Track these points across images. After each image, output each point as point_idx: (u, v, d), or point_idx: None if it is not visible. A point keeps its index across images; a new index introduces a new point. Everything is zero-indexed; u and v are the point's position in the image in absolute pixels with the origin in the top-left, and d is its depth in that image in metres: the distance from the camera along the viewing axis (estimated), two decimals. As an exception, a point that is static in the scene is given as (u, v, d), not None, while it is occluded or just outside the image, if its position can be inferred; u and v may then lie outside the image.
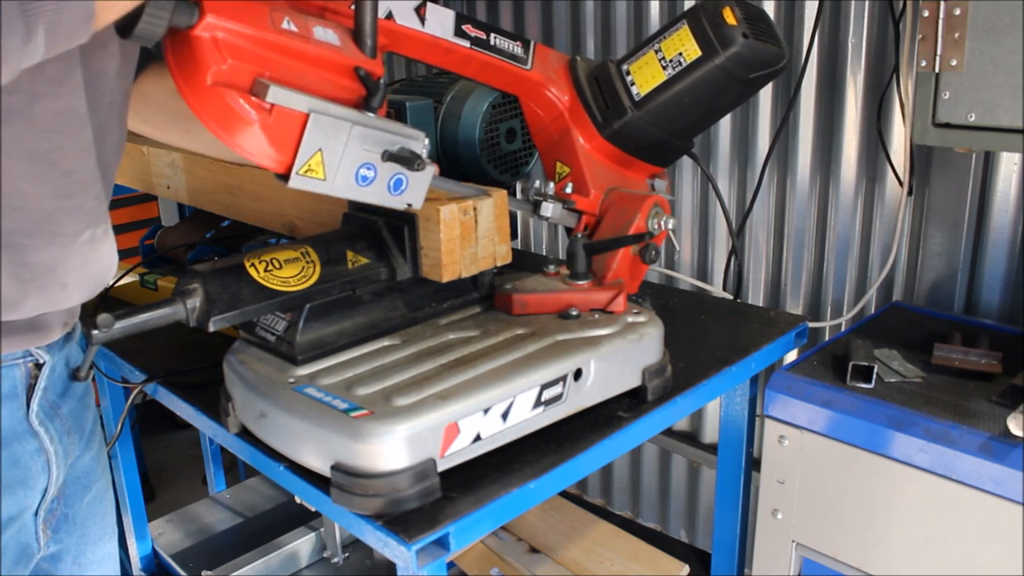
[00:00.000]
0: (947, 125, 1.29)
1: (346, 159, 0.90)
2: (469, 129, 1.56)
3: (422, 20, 1.09)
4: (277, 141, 0.85)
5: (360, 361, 1.02)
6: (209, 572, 1.72)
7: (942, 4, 1.24)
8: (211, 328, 0.96)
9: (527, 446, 1.01)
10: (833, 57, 1.83)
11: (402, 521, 0.88)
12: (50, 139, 0.81)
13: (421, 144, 0.95)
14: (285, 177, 0.87)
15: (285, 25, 0.86)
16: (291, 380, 0.98)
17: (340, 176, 0.90)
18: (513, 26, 2.51)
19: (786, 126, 1.91)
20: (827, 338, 1.89)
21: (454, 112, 1.57)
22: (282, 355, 1.03)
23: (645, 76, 1.23)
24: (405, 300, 1.12)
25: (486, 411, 0.94)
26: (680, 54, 1.20)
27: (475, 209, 1.06)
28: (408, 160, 0.92)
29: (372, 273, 1.08)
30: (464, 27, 1.13)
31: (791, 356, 1.70)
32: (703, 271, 2.21)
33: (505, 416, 0.96)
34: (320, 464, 0.92)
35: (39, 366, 0.94)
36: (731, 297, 1.59)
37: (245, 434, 1.06)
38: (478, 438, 0.94)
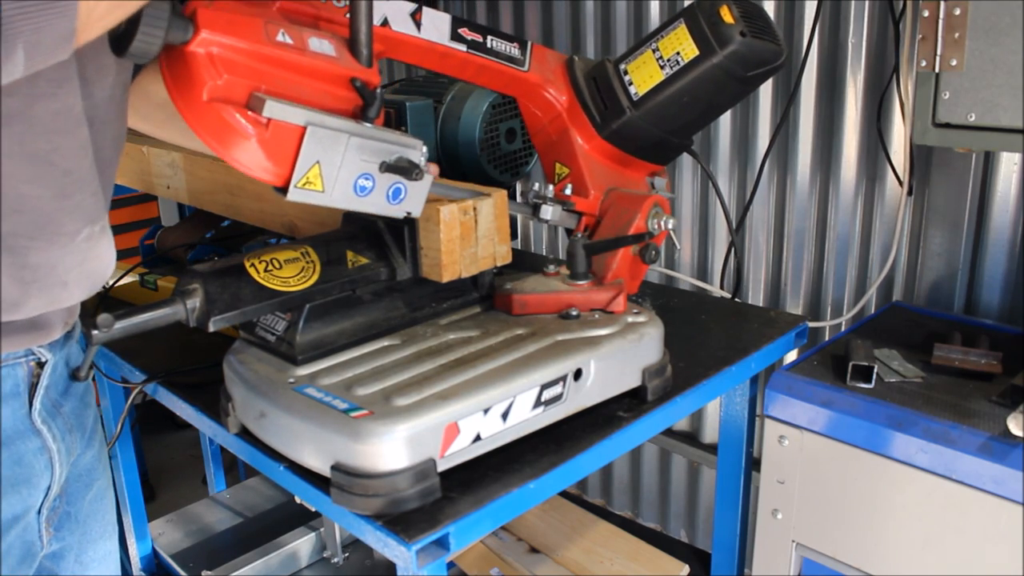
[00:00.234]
0: (947, 125, 1.29)
1: (344, 170, 0.90)
2: (469, 129, 1.56)
3: (418, 25, 1.09)
4: (275, 155, 0.85)
5: (360, 361, 1.02)
6: (209, 572, 1.72)
7: (942, 4, 1.24)
8: (211, 328, 0.96)
9: (527, 446, 1.01)
10: (833, 57, 1.83)
11: (402, 521, 0.88)
12: (49, 139, 0.81)
13: (419, 153, 0.95)
14: (284, 190, 0.87)
15: (280, 37, 0.86)
16: (291, 380, 0.98)
17: (338, 187, 0.90)
18: (513, 26, 2.51)
19: (786, 124, 1.92)
20: (827, 338, 1.89)
21: (454, 112, 1.57)
22: (282, 355, 1.03)
23: (643, 76, 1.23)
24: (405, 300, 1.12)
25: (486, 411, 0.94)
26: (678, 53, 1.20)
27: (475, 209, 1.06)
28: (406, 170, 0.92)
29: (372, 273, 1.08)
30: (460, 31, 1.13)
31: (791, 356, 1.70)
32: (703, 271, 2.21)
33: (505, 416, 0.96)
34: (320, 464, 0.92)
35: (41, 365, 0.94)
36: (730, 296, 1.59)
37: (245, 434, 1.06)
38: (478, 438, 0.94)
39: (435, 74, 1.68)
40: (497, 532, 1.73)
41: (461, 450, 0.93)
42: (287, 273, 1.02)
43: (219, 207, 1.47)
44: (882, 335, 1.49)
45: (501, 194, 1.10)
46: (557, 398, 1.01)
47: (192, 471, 3.35)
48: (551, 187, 1.26)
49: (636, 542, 1.69)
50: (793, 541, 1.38)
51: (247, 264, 1.00)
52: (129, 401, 1.52)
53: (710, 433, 2.30)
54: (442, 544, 0.89)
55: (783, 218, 2.01)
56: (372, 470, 0.88)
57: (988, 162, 1.64)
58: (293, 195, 0.87)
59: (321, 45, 0.89)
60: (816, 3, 1.73)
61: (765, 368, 1.34)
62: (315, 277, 1.03)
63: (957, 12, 1.23)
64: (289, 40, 0.86)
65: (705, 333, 1.40)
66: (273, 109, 0.83)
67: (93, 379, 1.12)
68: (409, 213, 0.98)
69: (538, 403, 0.99)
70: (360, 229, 1.11)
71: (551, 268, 1.21)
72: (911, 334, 1.50)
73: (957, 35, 1.24)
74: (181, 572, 1.78)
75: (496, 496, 0.93)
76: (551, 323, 1.10)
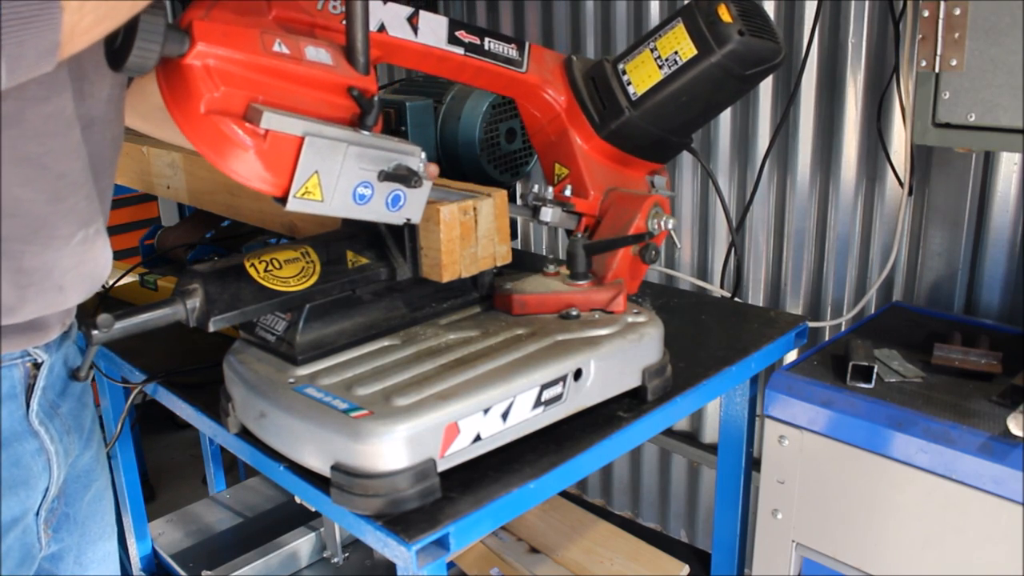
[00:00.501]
0: (947, 125, 1.29)
1: (343, 179, 0.90)
2: (469, 129, 1.56)
3: (415, 30, 1.09)
4: (273, 165, 0.85)
5: (360, 361, 1.02)
6: (209, 572, 1.72)
7: (942, 4, 1.24)
8: (211, 328, 0.96)
9: (527, 446, 1.01)
10: (833, 57, 1.83)
11: (402, 521, 0.88)
12: (41, 143, 0.81)
13: (418, 159, 0.95)
14: (283, 200, 0.87)
15: (276, 48, 0.86)
16: (291, 380, 0.98)
17: (337, 196, 0.90)
18: (513, 26, 2.51)
19: (786, 124, 1.92)
20: (827, 338, 1.89)
21: (454, 112, 1.57)
22: (282, 355, 1.03)
23: (641, 75, 1.23)
24: (405, 300, 1.12)
25: (486, 411, 0.94)
26: (676, 52, 1.20)
27: (475, 209, 1.06)
28: (405, 178, 0.92)
29: (372, 273, 1.08)
30: (457, 33, 1.13)
31: (791, 356, 1.70)
32: (703, 270, 2.21)
33: (505, 416, 0.96)
34: (320, 464, 0.92)
35: (37, 366, 0.93)
36: (730, 295, 1.59)
37: (245, 434, 1.06)
38: (478, 438, 0.94)
39: (435, 74, 1.68)
40: (497, 532, 1.73)
41: (461, 450, 0.93)
42: (287, 273, 1.02)
43: (219, 207, 1.47)
44: (882, 335, 1.49)
45: (501, 194, 1.10)
46: (557, 398, 1.01)
47: (192, 471, 3.35)
48: (550, 189, 1.25)
49: (636, 542, 1.69)
50: (793, 541, 1.38)
51: (247, 264, 1.00)
52: (129, 401, 1.52)
53: (710, 433, 2.30)
54: (442, 544, 0.89)
55: (783, 218, 2.01)
56: (372, 470, 0.88)
57: (988, 162, 1.64)
58: (292, 205, 0.87)
59: (318, 54, 0.89)
60: (816, 3, 1.73)
61: (765, 368, 1.34)
62: (315, 277, 1.03)
63: (957, 12, 1.23)
64: (285, 50, 0.86)
65: (705, 333, 1.40)
66: (271, 120, 0.83)
67: (93, 379, 1.12)
68: (409, 219, 0.99)
69: (538, 403, 0.99)
70: (360, 229, 1.11)
71: (551, 268, 1.21)
72: (911, 334, 1.50)
73: (957, 35, 1.24)
74: (181, 572, 1.78)
75: (496, 496, 0.93)
76: (551, 323, 1.10)
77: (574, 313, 1.12)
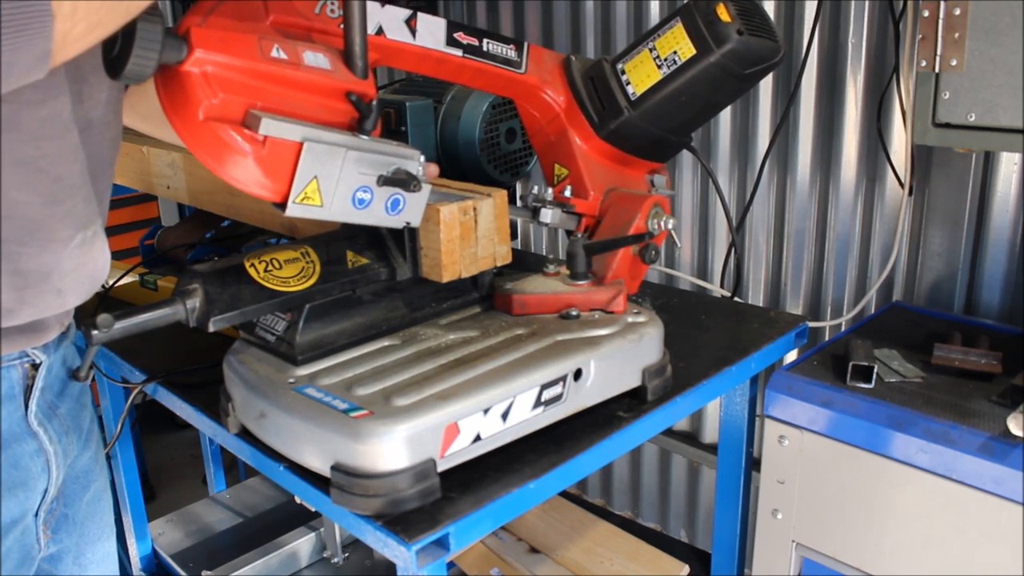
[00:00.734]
0: (947, 125, 1.29)
1: (342, 184, 0.90)
2: (469, 129, 1.56)
3: (413, 32, 1.08)
4: (272, 171, 0.85)
5: (360, 361, 1.02)
6: (209, 572, 1.72)
7: (942, 4, 1.24)
8: (211, 328, 0.96)
9: (527, 446, 1.01)
10: (833, 57, 1.83)
11: (402, 521, 0.88)
12: (37, 146, 0.80)
13: (416, 163, 0.95)
14: (282, 205, 0.87)
15: (274, 53, 0.86)
16: (291, 380, 0.98)
17: (337, 201, 0.90)
18: (513, 26, 2.51)
19: (786, 124, 1.92)
20: (827, 338, 1.89)
21: (454, 112, 1.57)
22: (282, 355, 1.03)
23: (640, 75, 1.23)
24: (405, 300, 1.12)
25: (486, 411, 0.94)
26: (675, 52, 1.20)
27: (475, 209, 1.06)
28: (404, 182, 0.92)
29: (372, 273, 1.08)
30: (456, 35, 1.13)
31: (791, 356, 1.70)
32: (703, 270, 2.21)
33: (505, 416, 0.96)
34: (320, 464, 0.92)
35: (36, 366, 0.93)
36: (729, 294, 1.59)
37: (245, 434, 1.06)
38: (478, 438, 0.94)
39: (435, 74, 1.68)
40: (497, 532, 1.73)
41: (461, 450, 0.93)
42: (287, 273, 1.02)
43: (219, 207, 1.47)
44: (882, 335, 1.49)
45: (501, 194, 1.10)
46: (557, 398, 1.01)
47: (192, 471, 3.35)
48: (550, 190, 1.26)
49: (636, 542, 1.69)
50: (793, 541, 1.38)
51: (247, 264, 1.00)
52: (129, 401, 1.52)
53: (710, 433, 2.30)
54: (442, 544, 0.89)
55: (783, 218, 2.01)
56: (372, 470, 0.88)
57: (988, 162, 1.64)
58: (292, 211, 0.87)
59: (316, 59, 0.89)
60: (816, 3, 1.73)
61: (765, 368, 1.34)
62: (315, 277, 1.03)
63: (957, 12, 1.23)
64: (283, 55, 0.86)
65: (705, 333, 1.40)
66: (269, 127, 0.83)
67: (92, 380, 1.12)
68: (408, 223, 0.99)
69: (538, 403, 0.99)
70: (360, 229, 1.11)
71: (551, 268, 1.21)
72: (911, 334, 1.50)
73: (957, 35, 1.24)
74: (181, 572, 1.78)
75: (496, 496, 0.93)
76: (551, 323, 1.10)
77: (574, 313, 1.12)
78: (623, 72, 1.25)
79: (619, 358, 1.07)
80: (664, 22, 1.23)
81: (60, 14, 0.61)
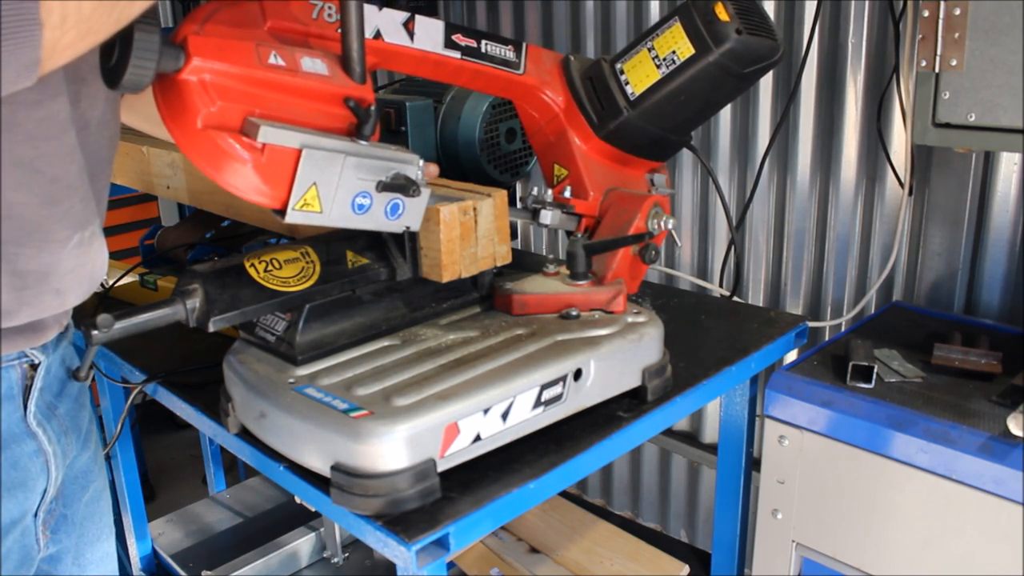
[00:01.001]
0: (947, 125, 1.29)
1: (341, 190, 0.90)
2: (469, 129, 1.56)
3: (411, 35, 1.08)
4: (271, 178, 0.85)
5: (360, 361, 1.02)
6: (209, 572, 1.72)
7: (942, 4, 1.24)
8: (211, 328, 0.96)
9: (527, 446, 1.01)
10: (833, 57, 1.83)
11: (402, 521, 0.88)
12: (34, 146, 0.80)
13: (416, 168, 0.95)
14: (281, 212, 0.87)
15: (272, 60, 0.86)
16: (291, 380, 0.98)
17: (336, 207, 0.90)
18: (513, 26, 2.51)
19: (786, 124, 1.92)
20: (827, 338, 1.89)
21: (454, 112, 1.57)
22: (282, 355, 1.03)
23: (639, 75, 1.23)
24: (405, 300, 1.12)
25: (486, 411, 0.94)
26: (673, 52, 1.20)
27: (475, 209, 1.06)
28: (403, 187, 0.92)
29: (372, 273, 1.08)
30: (454, 37, 1.13)
31: (791, 356, 1.70)
32: (703, 270, 2.21)
33: (505, 416, 0.96)
34: (320, 464, 0.92)
35: (34, 367, 0.93)
36: (728, 293, 1.59)
37: (245, 434, 1.06)
38: (478, 438, 0.94)
39: (435, 74, 1.68)
40: (497, 532, 1.73)
41: (461, 450, 0.93)
42: (287, 273, 1.02)
43: (219, 207, 1.47)
44: (882, 335, 1.49)
45: (501, 194, 1.10)
46: (557, 398, 1.01)
47: (192, 471, 3.35)
48: (549, 191, 1.25)
49: (636, 542, 1.69)
50: (793, 541, 1.38)
51: (247, 264, 1.00)
52: (129, 401, 1.52)
53: (710, 433, 2.30)
54: (442, 544, 0.89)
55: (783, 218, 2.01)
56: (372, 470, 0.88)
57: (988, 162, 1.64)
58: (291, 217, 0.87)
59: (314, 64, 0.89)
60: (816, 3, 1.73)
61: (765, 368, 1.34)
62: (315, 277, 1.03)
63: (957, 12, 1.23)
64: (281, 62, 0.86)
65: (705, 333, 1.40)
66: (268, 134, 0.83)
67: (92, 380, 1.12)
68: (408, 227, 0.99)
69: (538, 403, 0.99)
70: (360, 230, 1.11)
71: (551, 268, 1.21)
72: (911, 334, 1.50)
73: (957, 35, 1.24)
74: (181, 572, 1.78)
75: (496, 496, 0.93)
76: (551, 323, 1.10)
77: (574, 313, 1.12)
78: (622, 72, 1.25)
79: (619, 358, 1.07)
80: (662, 22, 1.23)
81: (49, 23, 0.61)
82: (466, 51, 1.14)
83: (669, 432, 2.35)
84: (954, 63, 1.25)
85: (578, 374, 1.03)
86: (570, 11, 2.34)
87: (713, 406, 2.22)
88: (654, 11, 2.14)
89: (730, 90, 1.27)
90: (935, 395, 1.27)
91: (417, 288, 1.13)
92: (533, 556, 1.67)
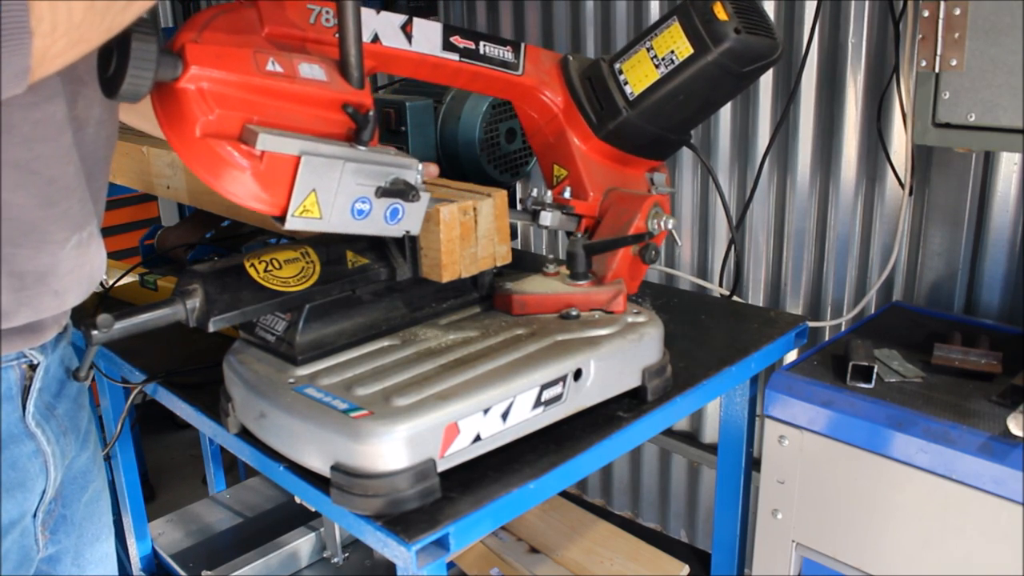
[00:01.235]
0: (947, 125, 1.29)
1: (341, 195, 0.90)
2: (469, 129, 1.56)
3: (409, 38, 1.08)
4: (270, 185, 0.85)
5: (360, 361, 1.02)
6: (209, 572, 1.72)
7: (942, 4, 1.24)
8: (211, 328, 0.96)
9: (527, 446, 1.01)
10: (833, 57, 1.83)
11: (402, 521, 0.88)
12: (30, 148, 0.80)
13: (415, 172, 0.95)
14: (281, 219, 0.87)
15: (270, 67, 0.86)
16: (291, 380, 0.98)
17: (336, 213, 0.90)
18: (513, 26, 2.51)
19: (786, 124, 1.92)
20: (827, 338, 1.89)
21: (454, 112, 1.57)
22: (282, 355, 1.03)
23: (638, 75, 1.23)
24: (405, 300, 1.12)
25: (486, 411, 0.94)
26: (672, 52, 1.20)
27: (475, 209, 1.06)
28: (403, 192, 0.92)
29: (372, 273, 1.08)
30: (452, 39, 1.13)
31: (791, 356, 1.70)
32: (703, 270, 2.21)
33: (505, 416, 0.96)
34: (320, 464, 0.92)
35: (33, 367, 0.93)
36: (728, 292, 1.59)
37: (245, 434, 1.06)
38: (478, 438, 0.94)
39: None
40: (497, 532, 1.73)
41: (461, 450, 0.93)
42: (287, 273, 1.02)
43: (219, 207, 1.47)
44: (882, 335, 1.49)
45: (501, 194, 1.10)
46: (557, 398, 1.01)
47: (192, 471, 3.35)
48: (549, 193, 1.25)
49: (636, 542, 1.69)
50: (793, 541, 1.38)
51: (247, 264, 1.00)
52: (129, 401, 1.52)
53: (710, 433, 2.30)
54: (442, 544, 0.89)
55: (783, 218, 2.01)
56: (372, 470, 0.88)
57: (988, 162, 1.64)
58: (291, 224, 0.87)
59: (312, 70, 0.89)
60: (816, 3, 1.73)
61: (765, 368, 1.34)
62: (315, 277, 1.03)
63: (957, 12, 1.23)
64: (279, 68, 0.86)
65: (705, 333, 1.40)
66: (266, 142, 0.83)
67: (92, 380, 1.12)
68: (408, 232, 0.99)
69: (538, 403, 0.99)
70: (360, 229, 1.11)
71: (551, 268, 1.21)
72: (911, 334, 1.50)
73: (957, 35, 1.24)
74: (181, 572, 1.78)
75: (496, 496, 0.93)
76: (551, 323, 1.10)
77: (574, 313, 1.12)
78: (621, 72, 1.25)
79: (619, 358, 1.07)
80: (661, 21, 1.23)
81: (39, 31, 0.61)
82: (464, 53, 1.14)
83: (669, 432, 2.35)
84: (954, 63, 1.25)
85: (578, 374, 1.03)
86: (570, 11, 2.34)
87: (713, 406, 2.22)
88: (654, 11, 2.14)
89: (729, 89, 1.27)
90: (935, 395, 1.27)
91: (417, 288, 1.13)
92: (533, 556, 1.67)
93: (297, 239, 1.23)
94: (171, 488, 3.29)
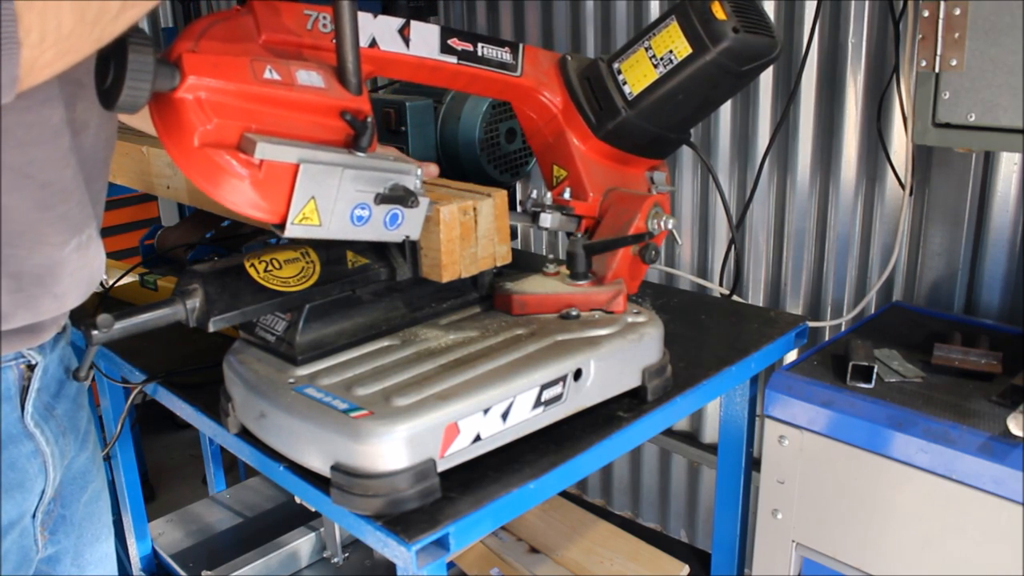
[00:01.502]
0: (947, 125, 1.29)
1: (340, 202, 0.90)
2: (469, 129, 1.56)
3: (406, 42, 1.08)
4: (269, 194, 0.85)
5: (360, 361, 1.02)
6: (209, 572, 1.72)
7: (942, 4, 1.24)
8: (211, 328, 0.96)
9: (527, 446, 1.01)
10: (833, 57, 1.83)
11: (402, 521, 0.88)
12: (24, 152, 0.80)
13: (414, 178, 0.95)
14: (281, 227, 0.87)
15: (267, 75, 0.85)
16: (291, 380, 0.98)
17: (335, 220, 0.90)
18: (513, 26, 2.51)
19: (786, 124, 1.92)
20: (827, 338, 1.89)
21: (454, 112, 1.57)
22: (282, 355, 1.03)
23: (636, 75, 1.23)
24: (405, 300, 1.12)
25: (486, 411, 0.94)
26: (670, 51, 1.19)
27: (475, 209, 1.06)
28: (402, 198, 0.92)
29: (372, 273, 1.08)
30: (450, 41, 1.12)
31: (791, 356, 1.70)
32: (703, 270, 2.21)
33: (505, 416, 0.96)
34: (320, 464, 0.92)
35: (31, 367, 0.93)
36: (728, 292, 1.59)
37: (245, 434, 1.06)
38: (478, 438, 0.94)
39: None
40: (497, 532, 1.73)
41: (461, 450, 0.93)
42: (287, 273, 1.02)
43: (219, 207, 1.47)
44: (882, 335, 1.49)
45: (501, 194, 1.10)
46: (557, 398, 1.01)
47: (192, 471, 3.35)
48: (549, 194, 1.25)
49: (636, 542, 1.69)
50: (793, 541, 1.38)
51: (247, 264, 1.00)
52: (129, 401, 1.52)
53: (710, 433, 2.30)
54: (442, 544, 0.89)
55: (783, 218, 2.01)
56: (372, 470, 0.88)
57: (988, 162, 1.64)
58: (290, 231, 0.87)
59: (309, 77, 0.89)
60: (816, 3, 1.73)
61: (765, 368, 1.34)
62: (315, 277, 1.03)
63: (957, 12, 1.23)
64: (277, 76, 0.86)
65: (705, 333, 1.40)
66: (265, 150, 0.83)
67: (92, 380, 1.12)
68: (408, 237, 0.99)
69: (538, 403, 0.99)
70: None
71: (551, 268, 1.21)
72: (911, 334, 1.50)
73: (957, 35, 1.24)
74: (181, 572, 1.78)
75: (496, 496, 0.93)
76: (551, 323, 1.10)
77: (574, 313, 1.12)
78: (619, 72, 1.25)
79: (619, 358, 1.07)
80: (659, 20, 1.22)
81: (27, 42, 0.60)
82: (462, 55, 1.14)
83: (669, 432, 2.35)
84: (954, 63, 1.25)
85: (578, 374, 1.03)
86: (570, 11, 2.34)
87: (713, 406, 2.22)
88: (654, 10, 2.14)
89: (728, 88, 1.27)
90: (935, 395, 1.27)
91: (417, 288, 1.13)
92: (533, 556, 1.67)
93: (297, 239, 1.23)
94: (171, 488, 3.29)
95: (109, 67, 0.76)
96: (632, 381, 1.10)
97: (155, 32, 3.63)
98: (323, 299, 1.04)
